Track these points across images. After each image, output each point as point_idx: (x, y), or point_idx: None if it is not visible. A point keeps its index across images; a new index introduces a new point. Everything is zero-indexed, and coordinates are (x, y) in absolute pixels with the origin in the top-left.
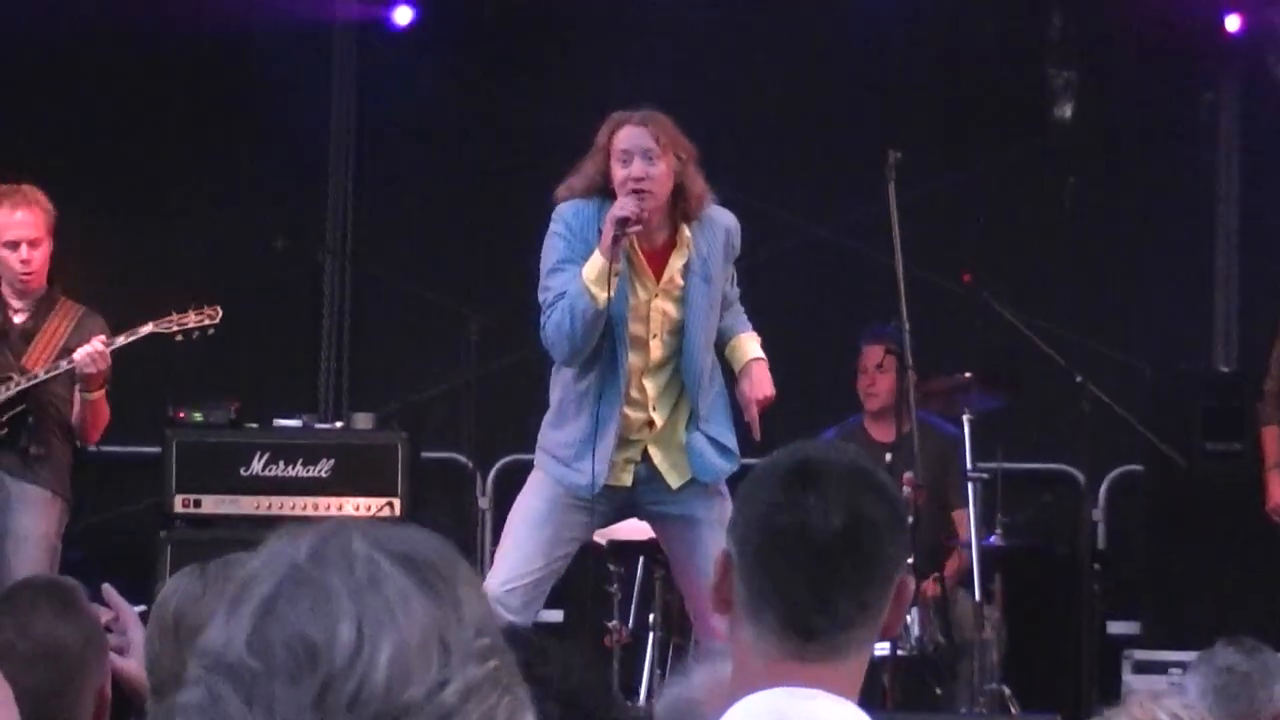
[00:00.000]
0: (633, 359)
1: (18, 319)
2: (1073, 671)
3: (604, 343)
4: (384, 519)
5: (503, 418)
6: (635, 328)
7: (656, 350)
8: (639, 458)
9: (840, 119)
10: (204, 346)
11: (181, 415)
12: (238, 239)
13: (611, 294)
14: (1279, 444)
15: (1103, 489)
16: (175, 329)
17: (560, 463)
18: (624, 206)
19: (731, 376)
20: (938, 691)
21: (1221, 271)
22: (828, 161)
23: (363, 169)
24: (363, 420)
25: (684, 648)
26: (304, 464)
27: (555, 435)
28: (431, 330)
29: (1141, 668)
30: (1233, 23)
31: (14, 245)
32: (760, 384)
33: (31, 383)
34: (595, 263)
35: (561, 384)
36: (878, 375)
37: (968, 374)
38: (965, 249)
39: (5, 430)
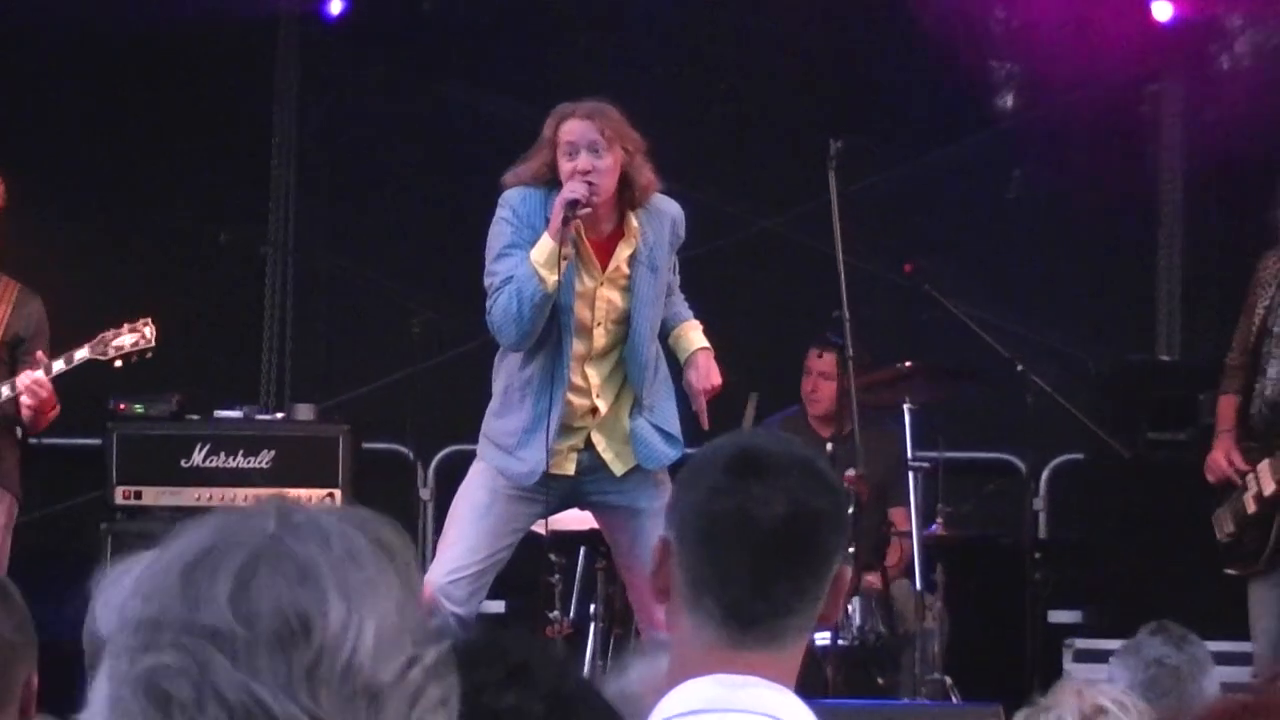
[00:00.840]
0: (577, 346)
1: None
2: (1015, 660)
3: (549, 330)
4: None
5: (444, 410)
6: (581, 315)
7: (600, 338)
8: (582, 445)
9: (784, 110)
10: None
11: (123, 407)
12: (180, 231)
13: (560, 278)
14: (1232, 410)
15: (1044, 478)
16: (113, 354)
17: (503, 451)
18: (573, 190)
19: (676, 365)
20: (880, 681)
21: (1164, 262)
22: (771, 153)
23: (305, 161)
24: (304, 411)
25: (625, 639)
26: (245, 455)
27: (498, 424)
28: (373, 322)
29: (1082, 656)
30: (1162, 11)
31: None
32: (707, 373)
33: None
34: (544, 246)
35: (505, 372)
36: (822, 382)
37: (909, 364)
38: (908, 240)
39: None
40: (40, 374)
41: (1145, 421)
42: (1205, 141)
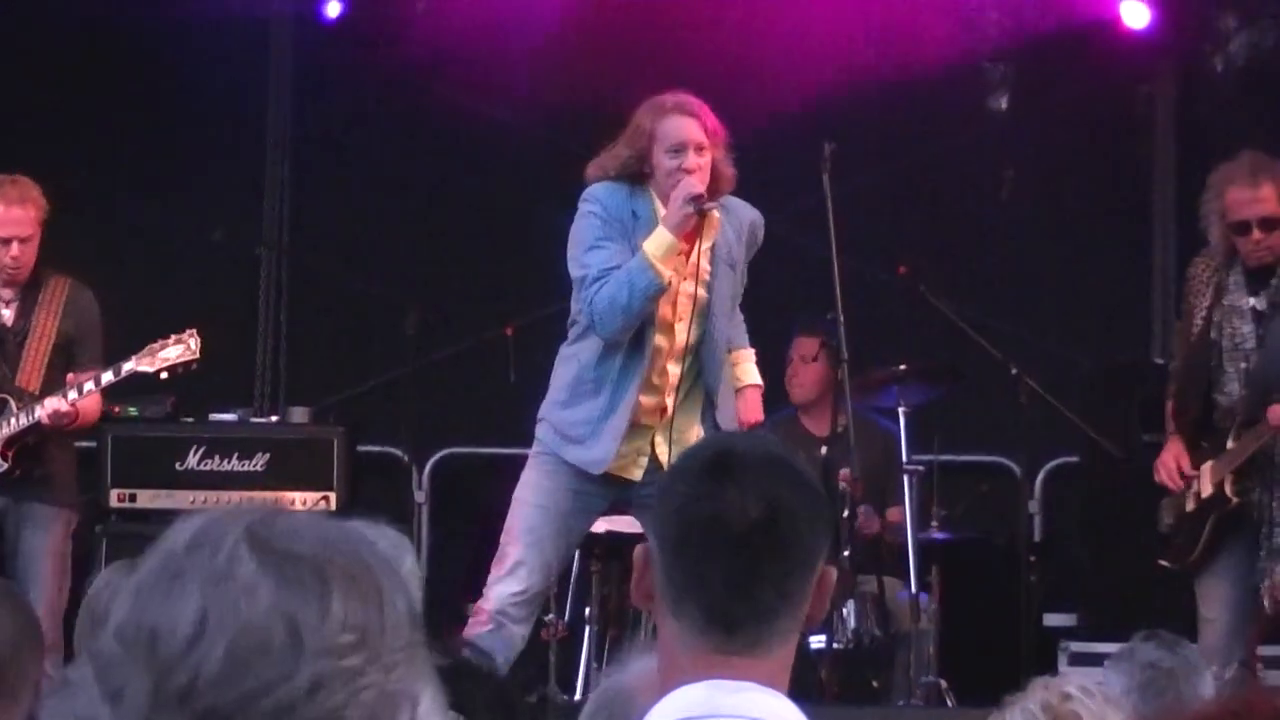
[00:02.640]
0: (659, 341)
1: (7, 312)
2: (1009, 662)
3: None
4: (317, 510)
5: (439, 412)
6: (663, 310)
7: (683, 333)
8: (648, 449)
9: (777, 112)
10: (138, 341)
11: (117, 410)
12: (174, 231)
13: (674, 274)
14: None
15: (1039, 481)
16: (160, 365)
17: (572, 441)
18: (694, 185)
19: None
20: (874, 684)
21: (1158, 264)
22: (765, 155)
23: (300, 162)
24: (299, 414)
25: (620, 640)
26: (240, 458)
27: (566, 414)
28: (368, 324)
29: (1078, 659)
30: (1134, 16)
31: (5, 242)
32: (753, 410)
33: (29, 423)
34: (662, 240)
35: (577, 364)
36: (801, 367)
37: (903, 366)
38: (902, 241)
39: (16, 469)
40: (62, 403)
41: (1139, 423)
42: (1198, 142)
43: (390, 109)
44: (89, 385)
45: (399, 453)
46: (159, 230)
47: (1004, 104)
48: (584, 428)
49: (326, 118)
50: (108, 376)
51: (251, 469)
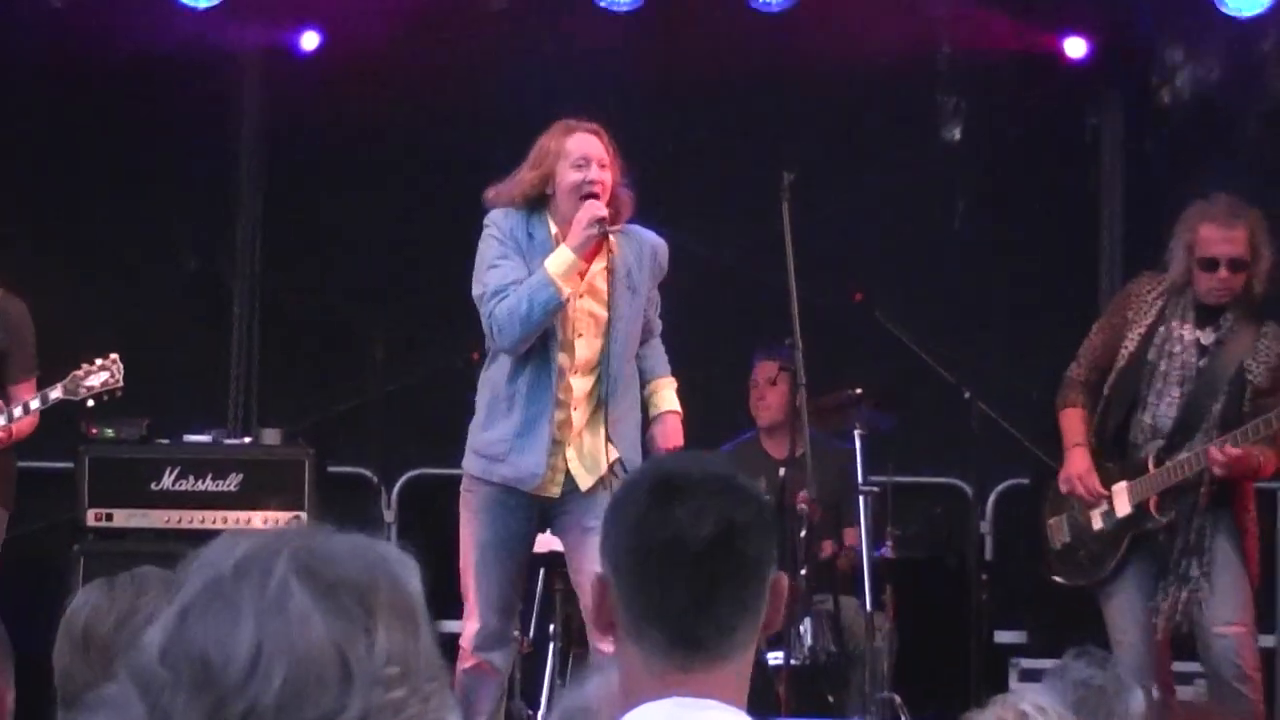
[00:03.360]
0: (561, 358)
1: None
2: (961, 679)
3: (537, 342)
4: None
5: (407, 434)
6: (564, 328)
7: (582, 350)
8: (563, 466)
9: (736, 142)
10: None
11: (94, 431)
12: (149, 258)
13: (573, 291)
14: (1083, 424)
15: (990, 502)
16: (84, 394)
17: (492, 460)
18: (598, 208)
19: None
20: (830, 699)
21: (1105, 292)
22: (723, 184)
23: (272, 194)
24: (271, 436)
25: (584, 658)
26: (213, 478)
27: (485, 435)
28: (337, 349)
29: (1027, 675)
30: (1074, 48)
31: None
32: (672, 436)
33: None
34: (563, 258)
35: (490, 385)
36: (768, 390)
37: (859, 390)
38: (858, 269)
39: None
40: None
41: None
42: (1145, 173)
43: (358, 142)
44: (18, 411)
45: (368, 473)
46: (135, 259)
47: (956, 135)
48: (502, 445)
49: (297, 150)
50: (35, 404)
51: (225, 489)
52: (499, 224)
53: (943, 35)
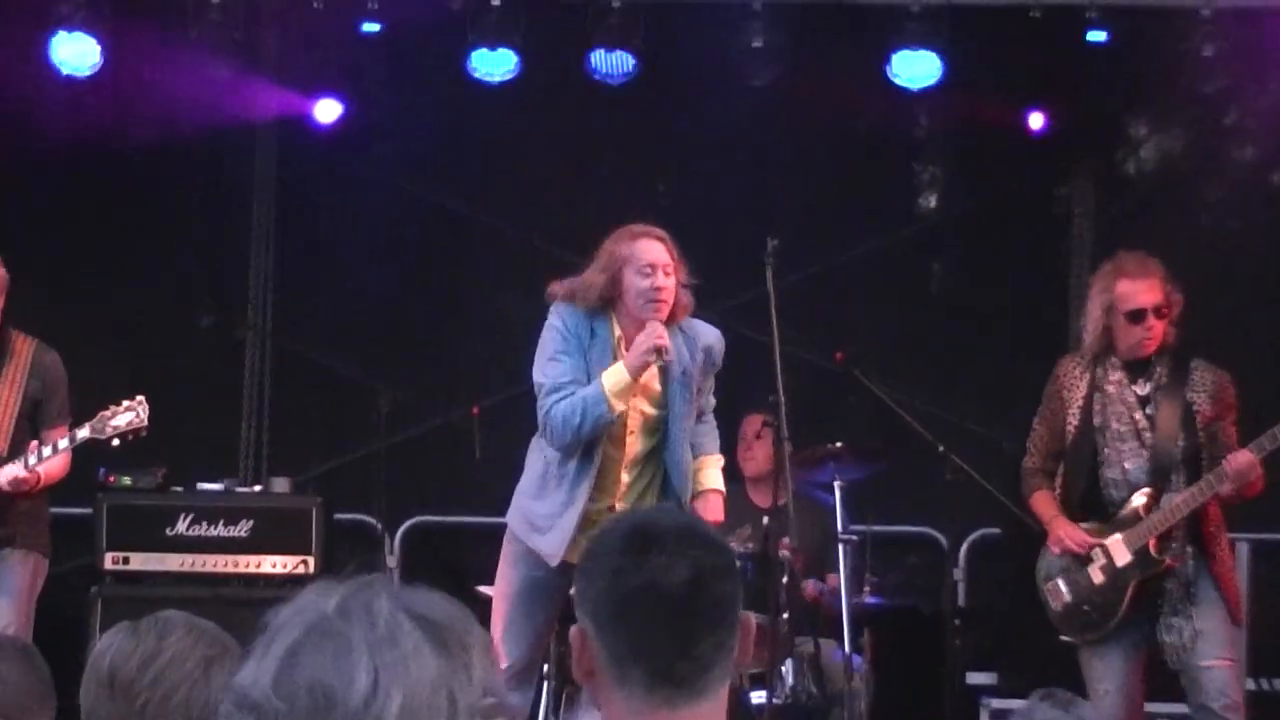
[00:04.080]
0: (611, 451)
1: None
2: (935, 718)
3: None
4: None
5: (409, 484)
6: (616, 425)
7: (633, 446)
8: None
9: (724, 208)
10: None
11: (111, 480)
12: (166, 316)
13: (626, 407)
14: (1054, 501)
15: (963, 551)
16: (110, 433)
17: (536, 530)
18: (659, 335)
19: None
20: None
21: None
22: (711, 248)
23: (282, 255)
24: (280, 485)
25: (576, 695)
26: (225, 524)
27: (534, 504)
28: (344, 403)
29: (998, 716)
30: (1039, 123)
31: None
32: (712, 512)
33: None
34: (620, 377)
35: (545, 458)
36: (755, 443)
37: (839, 444)
38: (839, 330)
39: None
40: (20, 470)
41: None
42: (1113, 240)
43: (365, 206)
44: (47, 451)
45: (372, 520)
46: (152, 315)
47: (932, 203)
48: (546, 520)
49: (306, 214)
50: (63, 444)
51: (236, 535)
52: (564, 318)
53: (920, 110)
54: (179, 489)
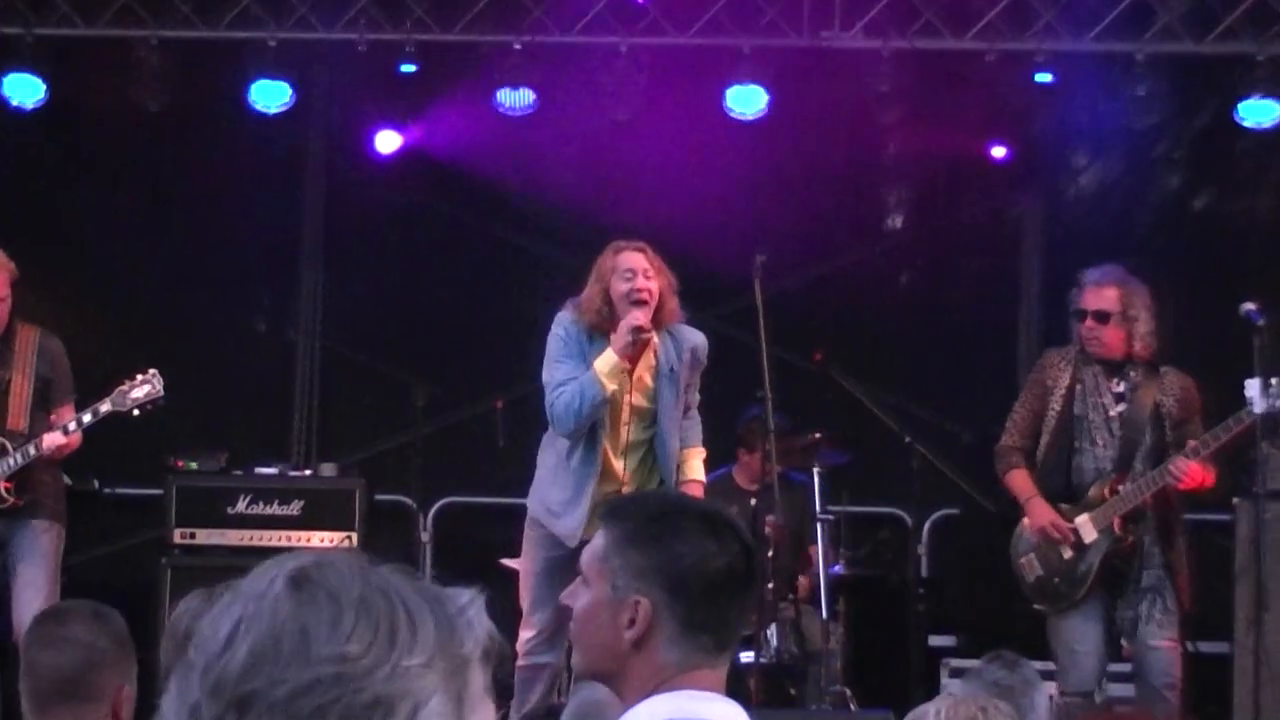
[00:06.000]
0: (608, 440)
1: None
2: (901, 676)
3: (587, 429)
4: (348, 549)
5: (441, 469)
6: (612, 417)
7: (625, 434)
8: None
9: (717, 228)
10: (198, 408)
11: (179, 464)
12: (229, 322)
13: (618, 388)
14: (1030, 479)
15: (926, 529)
16: (129, 405)
17: (552, 515)
18: (637, 317)
19: None
20: (792, 692)
21: (1023, 354)
22: (709, 264)
23: (330, 265)
24: (327, 469)
25: None
26: (280, 504)
27: (552, 493)
28: (384, 397)
29: (956, 673)
30: (997, 152)
31: None
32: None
33: (29, 459)
34: (609, 360)
35: (555, 452)
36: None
37: (818, 435)
38: (817, 334)
39: (17, 499)
40: (61, 437)
41: None
42: (1057, 254)
43: (404, 223)
44: (85, 418)
45: (408, 501)
46: (217, 320)
47: (899, 221)
48: (561, 506)
49: (352, 229)
50: (87, 418)
51: (289, 513)
52: (565, 327)
53: (888, 139)
54: (239, 472)
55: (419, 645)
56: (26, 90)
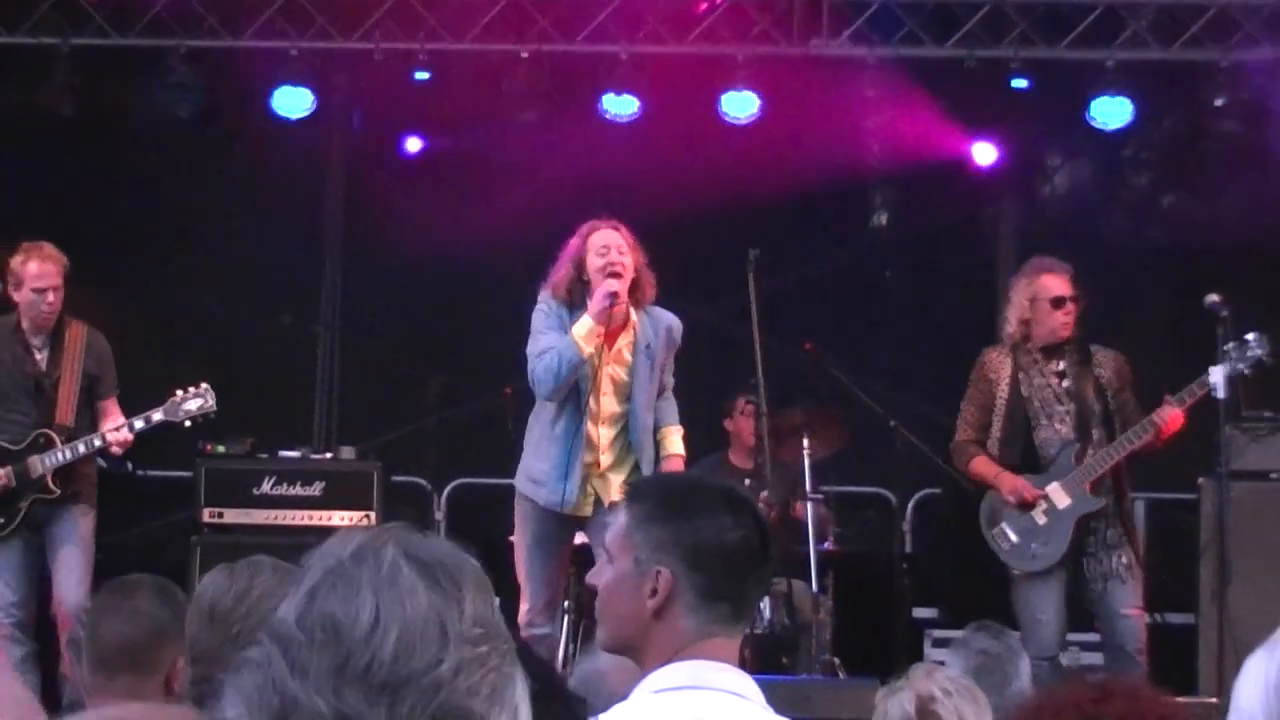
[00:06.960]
0: (590, 410)
1: (40, 359)
2: (886, 646)
3: (571, 395)
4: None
5: (454, 452)
6: (592, 387)
7: (607, 406)
8: (593, 492)
9: (714, 225)
10: (227, 396)
11: (209, 448)
12: (255, 315)
13: (594, 351)
14: (991, 460)
15: (910, 507)
16: (182, 417)
17: (538, 484)
18: (611, 285)
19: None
20: (784, 661)
21: None
22: (703, 259)
23: (349, 262)
24: (347, 452)
25: (592, 629)
26: (302, 485)
27: (535, 464)
28: (400, 385)
29: (939, 643)
30: (984, 155)
31: (41, 291)
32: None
33: (87, 452)
34: (585, 324)
35: (539, 426)
36: (741, 420)
37: (808, 419)
38: (808, 325)
39: (62, 490)
40: (128, 434)
41: None
42: (1032, 249)
43: (420, 223)
44: (140, 424)
45: (423, 482)
46: (244, 314)
47: (884, 220)
48: (544, 475)
49: (370, 229)
50: (140, 424)
51: (311, 494)
52: (548, 302)
53: (874, 142)
54: (264, 455)
55: (501, 623)
56: (62, 99)
